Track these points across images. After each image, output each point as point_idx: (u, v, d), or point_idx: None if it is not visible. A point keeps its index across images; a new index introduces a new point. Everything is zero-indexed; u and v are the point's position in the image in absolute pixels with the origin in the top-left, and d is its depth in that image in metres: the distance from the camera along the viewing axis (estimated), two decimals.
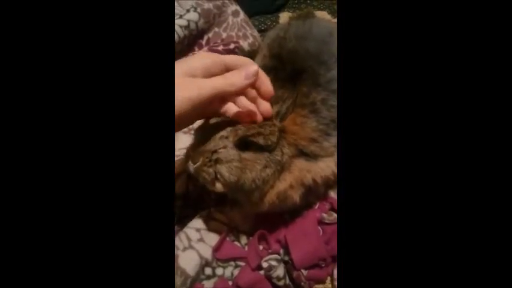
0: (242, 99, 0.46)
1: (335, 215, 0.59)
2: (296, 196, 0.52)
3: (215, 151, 0.47)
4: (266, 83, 0.45)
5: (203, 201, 0.63)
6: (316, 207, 0.61)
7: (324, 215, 0.58)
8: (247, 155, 0.47)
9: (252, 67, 0.42)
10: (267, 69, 0.56)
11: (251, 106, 0.46)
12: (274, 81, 0.53)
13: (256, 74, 0.43)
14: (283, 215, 0.60)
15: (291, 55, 0.56)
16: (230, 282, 0.55)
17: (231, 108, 0.46)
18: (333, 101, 0.53)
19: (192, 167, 0.47)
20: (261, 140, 0.47)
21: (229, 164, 0.46)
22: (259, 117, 0.47)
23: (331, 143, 0.53)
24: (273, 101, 0.50)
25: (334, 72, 0.54)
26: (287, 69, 0.55)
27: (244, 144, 0.47)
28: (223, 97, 0.45)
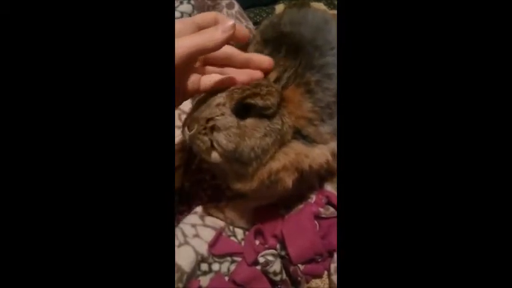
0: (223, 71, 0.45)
1: (332, 209, 0.59)
2: (289, 181, 0.50)
3: (211, 118, 0.45)
4: (242, 31, 0.44)
5: (198, 196, 0.62)
6: (313, 201, 0.60)
7: (321, 209, 0.58)
8: (246, 122, 0.46)
9: (228, 21, 0.40)
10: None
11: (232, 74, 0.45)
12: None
13: (234, 28, 0.40)
14: (280, 210, 0.60)
15: (285, 39, 0.54)
16: (226, 278, 0.55)
17: (206, 80, 0.45)
18: (327, 84, 0.52)
19: (187, 134, 0.46)
20: (258, 101, 0.45)
21: (227, 131, 0.45)
22: (258, 74, 0.45)
23: (326, 130, 0.52)
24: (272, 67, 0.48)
25: (328, 59, 0.53)
26: (282, 51, 0.53)
27: (242, 110, 0.46)
28: (202, 62, 0.44)
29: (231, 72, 0.46)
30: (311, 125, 0.51)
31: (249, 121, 0.46)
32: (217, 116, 0.45)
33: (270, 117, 0.47)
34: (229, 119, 0.45)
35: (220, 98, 0.46)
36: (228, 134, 0.45)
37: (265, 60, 0.45)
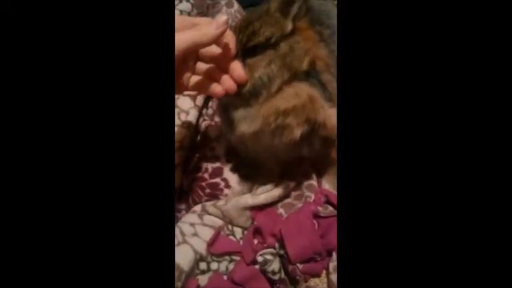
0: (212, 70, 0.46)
1: (330, 208, 0.59)
2: (297, 131, 0.48)
3: None
4: (231, 41, 0.44)
5: (197, 195, 0.62)
6: (312, 200, 0.61)
7: (320, 208, 0.58)
8: (253, 59, 0.46)
9: (221, 17, 0.42)
10: None
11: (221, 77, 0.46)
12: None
13: (227, 23, 0.42)
14: (278, 209, 0.59)
15: None
16: (225, 277, 0.55)
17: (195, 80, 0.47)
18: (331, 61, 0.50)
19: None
20: (257, 39, 0.45)
21: None
22: (233, 87, 0.45)
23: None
24: None
25: (335, 22, 0.50)
26: None
27: (249, 51, 0.46)
28: (196, 57, 0.46)
29: (214, 76, 0.47)
30: (329, 73, 0.49)
31: (257, 57, 0.46)
32: None
33: (275, 45, 0.46)
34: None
35: None
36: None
37: (241, 75, 0.45)
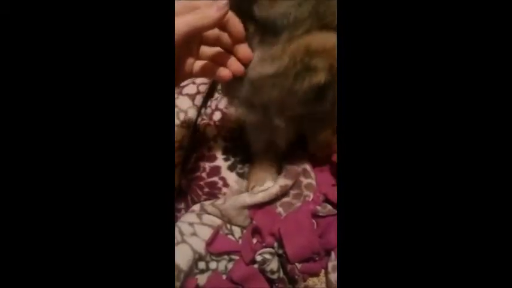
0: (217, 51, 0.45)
1: (329, 207, 0.59)
2: (322, 75, 0.44)
3: None
4: (237, 25, 0.43)
5: (196, 194, 0.62)
6: (310, 199, 0.61)
7: (318, 207, 0.58)
8: None
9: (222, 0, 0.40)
10: None
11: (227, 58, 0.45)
12: None
13: (228, 5, 0.40)
14: (277, 208, 0.60)
15: None
16: (224, 276, 0.55)
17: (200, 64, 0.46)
18: None
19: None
20: None
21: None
22: (240, 68, 0.44)
23: None
24: None
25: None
26: None
27: None
28: (199, 41, 0.44)
29: (220, 59, 0.46)
30: None
31: None
32: None
33: None
34: None
35: None
36: (261, 3, 0.41)
37: (247, 54, 0.44)
